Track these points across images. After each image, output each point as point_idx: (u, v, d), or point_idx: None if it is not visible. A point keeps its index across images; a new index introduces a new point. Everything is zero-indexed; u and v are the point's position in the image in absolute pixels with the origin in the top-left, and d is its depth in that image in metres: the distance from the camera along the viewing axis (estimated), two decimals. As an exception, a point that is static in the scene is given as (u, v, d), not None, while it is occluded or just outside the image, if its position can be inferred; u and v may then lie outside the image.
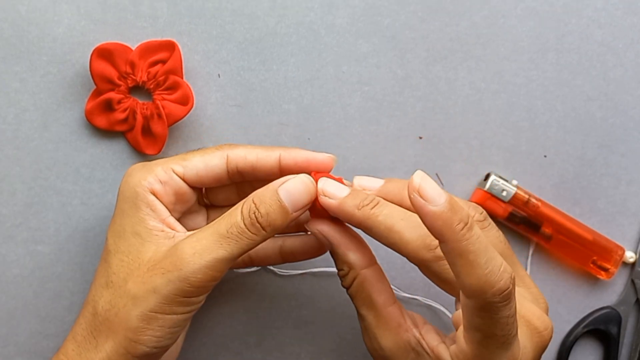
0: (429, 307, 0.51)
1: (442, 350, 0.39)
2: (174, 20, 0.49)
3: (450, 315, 0.50)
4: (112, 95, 0.47)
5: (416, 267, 0.50)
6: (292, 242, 0.45)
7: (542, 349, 0.40)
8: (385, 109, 0.50)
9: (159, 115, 0.47)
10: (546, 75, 0.51)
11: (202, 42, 0.49)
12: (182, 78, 0.48)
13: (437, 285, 0.41)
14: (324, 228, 0.41)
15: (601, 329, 0.52)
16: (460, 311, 0.38)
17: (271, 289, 0.51)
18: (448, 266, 0.36)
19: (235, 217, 0.39)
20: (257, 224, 0.39)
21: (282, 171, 0.42)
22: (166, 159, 0.43)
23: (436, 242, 0.38)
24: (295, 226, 0.45)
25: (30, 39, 0.48)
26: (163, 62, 0.47)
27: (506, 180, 0.50)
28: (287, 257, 0.45)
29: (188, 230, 0.42)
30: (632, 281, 0.52)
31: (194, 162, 0.42)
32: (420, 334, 0.40)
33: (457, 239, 0.34)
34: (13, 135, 0.48)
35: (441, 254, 0.37)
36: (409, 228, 0.38)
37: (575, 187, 0.52)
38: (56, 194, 0.49)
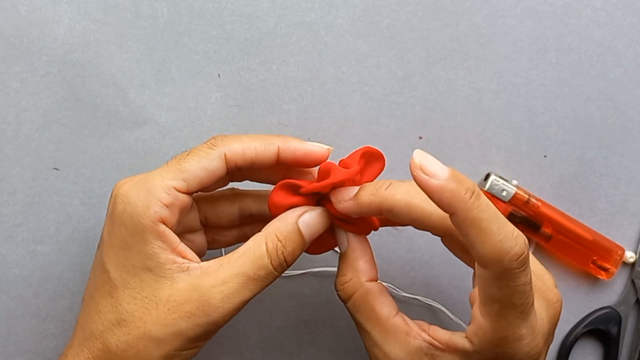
0: (429, 307, 0.51)
1: (457, 338, 0.38)
2: (174, 20, 0.49)
3: (450, 315, 0.50)
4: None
5: (416, 267, 0.50)
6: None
7: (556, 320, 0.40)
8: (385, 109, 0.50)
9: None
10: (546, 75, 0.51)
11: (202, 42, 0.49)
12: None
13: (460, 257, 0.41)
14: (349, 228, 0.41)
15: (601, 329, 0.52)
16: (475, 290, 0.38)
17: (271, 289, 0.50)
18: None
19: (262, 258, 0.38)
20: (284, 263, 0.39)
21: (280, 163, 0.41)
22: (161, 173, 0.39)
23: None
24: None
25: (30, 39, 0.48)
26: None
27: (506, 180, 0.50)
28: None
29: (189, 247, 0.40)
30: (632, 281, 0.52)
31: (193, 171, 0.39)
32: (429, 335, 0.39)
33: (468, 207, 0.34)
34: (13, 135, 0.48)
35: None
36: (428, 201, 0.38)
37: (575, 187, 0.52)
38: (56, 194, 0.49)
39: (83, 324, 0.39)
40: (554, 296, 0.40)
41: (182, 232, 0.42)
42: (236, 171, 0.42)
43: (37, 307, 0.49)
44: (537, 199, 0.51)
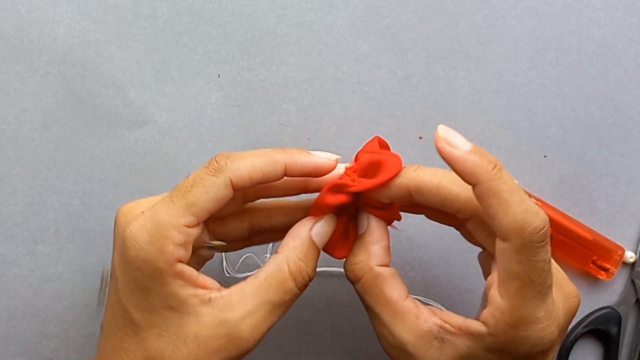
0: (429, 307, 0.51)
1: (471, 322, 0.38)
2: (174, 20, 0.49)
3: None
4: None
5: (416, 267, 0.50)
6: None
7: (573, 314, 0.40)
8: (385, 109, 0.50)
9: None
10: (546, 75, 0.51)
11: (202, 42, 0.49)
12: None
13: (484, 243, 0.40)
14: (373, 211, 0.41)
15: (601, 329, 0.52)
16: (493, 274, 0.38)
17: (271, 289, 0.51)
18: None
19: (287, 283, 0.38)
20: (308, 281, 0.39)
21: (287, 176, 0.40)
22: (168, 210, 0.37)
23: None
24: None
25: (30, 39, 0.48)
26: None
27: (506, 180, 0.50)
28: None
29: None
30: (632, 281, 0.52)
31: (201, 204, 0.37)
32: (441, 318, 0.39)
33: (490, 177, 0.35)
34: (13, 135, 0.48)
35: None
36: (455, 182, 0.38)
37: (575, 187, 0.52)
38: (56, 194, 0.49)
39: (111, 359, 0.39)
40: (572, 290, 0.40)
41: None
42: (249, 191, 0.41)
43: (37, 307, 0.49)
44: (537, 199, 0.51)
